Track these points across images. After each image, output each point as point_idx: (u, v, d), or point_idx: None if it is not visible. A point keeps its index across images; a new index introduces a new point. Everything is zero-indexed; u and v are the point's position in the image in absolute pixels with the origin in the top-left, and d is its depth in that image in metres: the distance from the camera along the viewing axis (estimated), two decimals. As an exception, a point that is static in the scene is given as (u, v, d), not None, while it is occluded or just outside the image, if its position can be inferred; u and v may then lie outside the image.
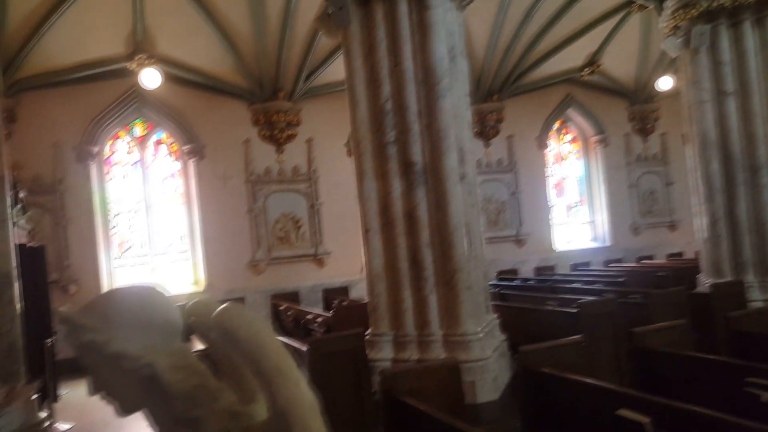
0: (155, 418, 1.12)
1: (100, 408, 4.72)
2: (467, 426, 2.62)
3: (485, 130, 11.38)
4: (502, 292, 7.60)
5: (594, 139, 12.89)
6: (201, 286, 9.77)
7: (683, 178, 13.60)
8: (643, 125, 13.09)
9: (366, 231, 5.16)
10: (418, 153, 4.92)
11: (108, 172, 9.83)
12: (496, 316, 5.49)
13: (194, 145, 9.82)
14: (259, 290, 9.70)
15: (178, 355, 1.09)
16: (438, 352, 4.78)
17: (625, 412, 2.72)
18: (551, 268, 11.21)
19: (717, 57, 6.93)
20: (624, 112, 13.03)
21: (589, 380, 3.07)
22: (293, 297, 9.68)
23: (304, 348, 4.32)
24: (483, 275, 5.33)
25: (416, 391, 3.14)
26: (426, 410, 2.84)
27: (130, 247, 9.96)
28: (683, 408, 2.60)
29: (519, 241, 11.72)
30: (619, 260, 11.97)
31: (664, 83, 11.39)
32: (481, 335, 4.82)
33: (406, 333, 4.94)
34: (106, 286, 9.30)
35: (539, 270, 11.14)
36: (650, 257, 12.07)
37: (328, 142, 10.38)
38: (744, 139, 6.85)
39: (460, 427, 2.60)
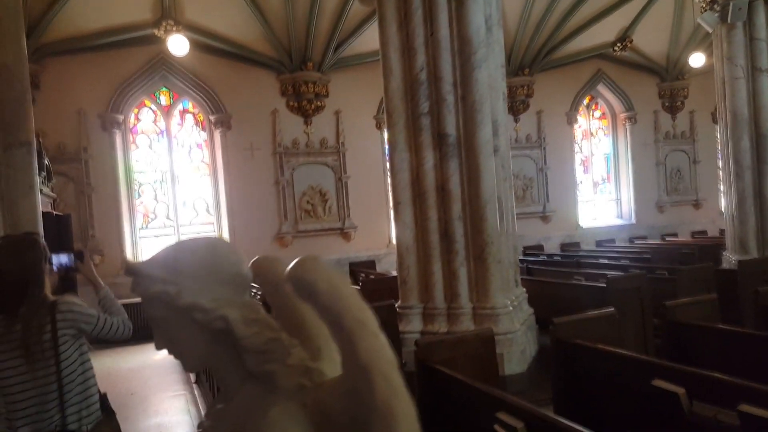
0: (222, 375, 1.10)
1: (126, 378, 4.88)
2: (503, 393, 2.70)
3: (515, 105, 11.28)
4: (528, 266, 7.65)
5: (623, 115, 12.71)
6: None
7: (709, 157, 13.44)
8: (672, 102, 12.86)
9: (397, 203, 5.20)
10: (452, 125, 4.90)
11: (133, 141, 9.92)
12: (524, 290, 5.55)
13: (221, 115, 9.89)
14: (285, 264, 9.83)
15: (250, 308, 1.06)
16: (467, 325, 4.84)
17: (660, 383, 2.78)
18: (576, 244, 11.20)
19: (753, 33, 6.78)
20: (654, 88, 12.80)
21: (623, 351, 3.13)
22: (319, 271, 9.79)
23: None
24: (513, 249, 5.37)
25: (449, 361, 3.19)
26: (462, 378, 2.92)
27: (154, 218, 10.10)
28: (717, 378, 2.65)
29: (545, 217, 11.69)
30: (643, 237, 11.91)
31: (696, 60, 11.12)
32: (510, 308, 4.88)
33: (435, 305, 5.00)
34: (130, 256, 9.48)
35: (564, 246, 11.13)
36: (674, 235, 11.98)
37: (357, 115, 10.36)
38: (776, 117, 6.73)
39: (496, 394, 2.67)
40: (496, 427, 2.40)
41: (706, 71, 11.44)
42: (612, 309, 3.63)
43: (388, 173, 10.87)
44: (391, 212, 10.21)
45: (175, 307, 1.03)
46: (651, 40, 11.83)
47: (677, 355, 3.58)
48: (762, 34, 6.72)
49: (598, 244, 11.35)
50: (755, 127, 6.75)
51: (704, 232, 12.00)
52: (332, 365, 1.09)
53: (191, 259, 1.06)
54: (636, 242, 11.12)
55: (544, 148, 11.64)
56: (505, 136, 5.29)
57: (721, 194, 13.46)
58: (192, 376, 6.05)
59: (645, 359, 3.04)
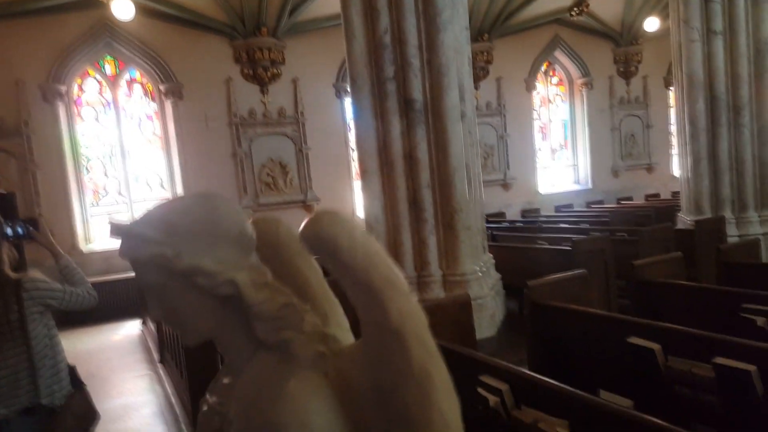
0: (229, 346, 0.98)
1: (85, 360, 4.65)
2: (486, 356, 2.69)
3: (475, 72, 11.15)
4: (493, 233, 7.71)
5: (580, 81, 12.87)
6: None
7: (661, 122, 13.83)
8: (627, 68, 13.10)
9: (364, 172, 5.08)
10: (418, 90, 4.79)
11: (78, 114, 9.38)
12: (491, 256, 5.58)
13: (171, 84, 9.43)
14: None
15: (258, 271, 0.95)
16: (437, 292, 4.84)
17: (635, 340, 2.83)
18: (536, 210, 11.39)
19: (706, -5, 6.88)
20: (609, 54, 12.98)
21: (598, 311, 3.17)
22: (281, 243, 9.64)
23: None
24: (480, 216, 5.37)
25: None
26: (442, 343, 2.89)
27: (106, 195, 9.66)
28: (691, 332, 2.71)
29: (506, 185, 11.81)
30: (599, 202, 12.22)
31: (650, 24, 11.31)
32: (479, 274, 4.90)
33: (405, 274, 4.96)
34: (81, 235, 9.09)
35: (525, 213, 11.31)
36: (629, 198, 12.35)
37: (316, 83, 10.08)
38: (729, 79, 6.90)
39: (479, 358, 2.66)
40: (480, 390, 2.39)
41: (660, 36, 11.67)
42: (584, 270, 3.66)
43: (351, 143, 10.74)
44: (354, 183, 10.18)
45: (174, 272, 0.90)
46: (607, 5, 11.93)
47: (646, 313, 3.66)
48: (716, -4, 6.82)
49: (557, 209, 11.58)
50: (710, 90, 6.90)
51: (657, 195, 12.41)
52: (342, 332, 1.01)
53: (189, 216, 0.93)
54: (593, 206, 11.39)
55: (504, 116, 11.68)
56: (471, 102, 5.22)
57: (672, 158, 13.94)
58: (156, 355, 5.87)
59: (620, 317, 3.09)
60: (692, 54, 6.97)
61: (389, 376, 0.82)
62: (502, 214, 11.02)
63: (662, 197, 12.15)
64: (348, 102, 10.69)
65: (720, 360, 2.37)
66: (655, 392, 2.68)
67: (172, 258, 0.90)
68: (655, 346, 2.72)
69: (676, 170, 13.44)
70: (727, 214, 6.85)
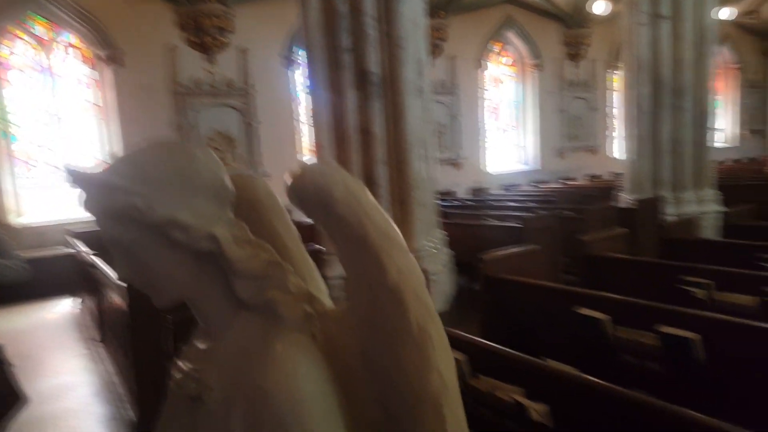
0: (206, 307, 0.91)
1: (16, 340, 4.38)
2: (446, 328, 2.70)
3: (429, 49, 11.15)
4: (444, 211, 7.77)
5: (530, 63, 13.04)
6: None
7: (604, 105, 14.29)
8: (576, 51, 13.37)
9: (318, 146, 4.98)
10: (375, 62, 4.68)
11: (5, 78, 8.71)
12: (444, 233, 5.62)
13: (111, 50, 8.90)
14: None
15: (239, 226, 0.87)
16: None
17: (584, 311, 2.91)
18: (484, 189, 11.56)
19: (655, -20, 7.06)
20: (559, 36, 13.19)
21: (550, 284, 3.24)
22: (229, 220, 9.38)
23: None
24: (433, 193, 5.38)
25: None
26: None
27: (37, 166, 9.07)
28: (637, 303, 2.82)
29: (457, 164, 11.91)
30: (545, 182, 12.53)
31: (598, 7, 11.55)
32: (433, 251, 4.93)
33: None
34: (12, 209, 8.54)
35: (474, 191, 11.46)
36: (573, 179, 12.73)
37: (265, 54, 9.74)
38: (673, 63, 7.15)
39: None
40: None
41: (607, 20, 11.96)
42: (536, 245, 3.73)
43: (301, 117, 10.51)
44: (306, 159, 9.98)
45: (147, 225, 0.81)
46: (558, -13, 12.11)
47: (593, 286, 3.78)
48: (663, -18, 7.01)
49: (505, 188, 11.80)
50: (655, 73, 7.12)
51: (599, 176, 12.85)
52: (321, 296, 0.95)
53: (164, 165, 0.84)
54: (540, 186, 11.68)
55: (457, 95, 11.73)
56: (428, 77, 5.18)
57: (613, 140, 14.45)
58: (95, 333, 5.61)
59: (570, 289, 3.17)
60: (640, 37, 7.16)
61: (383, 337, 0.78)
62: (452, 193, 11.13)
63: (604, 178, 12.60)
64: (298, 74, 10.43)
65: (665, 329, 2.47)
66: (602, 361, 2.77)
67: (144, 209, 0.80)
68: (603, 316, 2.81)
69: (616, 152, 14.00)
70: (666, 193, 7.15)
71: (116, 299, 4.04)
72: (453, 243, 5.69)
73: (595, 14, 11.98)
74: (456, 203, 9.31)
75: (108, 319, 4.90)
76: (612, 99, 14.46)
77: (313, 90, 4.92)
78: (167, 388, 1.00)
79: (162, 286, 0.87)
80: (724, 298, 2.99)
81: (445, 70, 11.66)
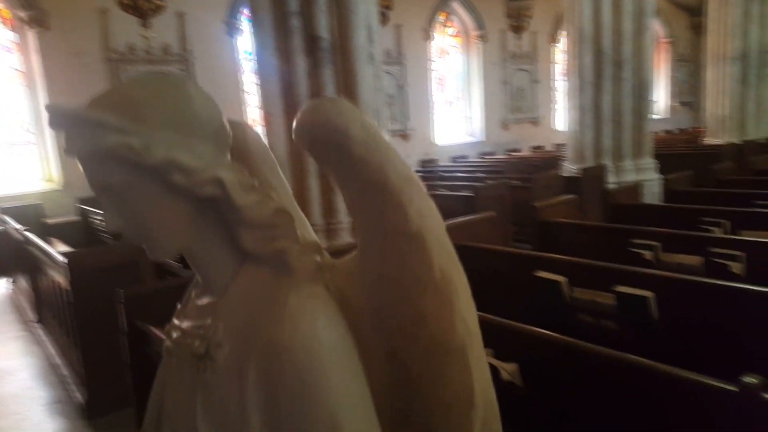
0: (206, 260, 0.82)
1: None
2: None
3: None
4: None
5: (475, 34, 13.08)
6: (57, 184, 8.64)
7: (546, 78, 14.60)
8: (518, 23, 13.49)
9: (267, 115, 4.80)
10: (325, 27, 4.53)
11: None
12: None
13: (34, 12, 8.22)
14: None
15: (242, 171, 0.79)
16: (346, 239, 4.78)
17: (542, 273, 2.98)
18: (434, 161, 11.64)
19: (596, -49, 7.19)
20: (503, 8, 13.27)
21: (509, 249, 3.29)
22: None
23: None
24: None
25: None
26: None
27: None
28: (592, 265, 2.91)
29: (405, 135, 11.88)
30: (491, 153, 12.75)
31: (542, -20, 11.67)
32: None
33: (313, 222, 4.84)
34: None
35: (423, 163, 11.51)
36: (518, 150, 13.02)
37: (206, 19, 9.27)
38: (614, 35, 7.34)
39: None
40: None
41: (549, -7, 12.11)
42: (492, 212, 3.78)
43: (245, 86, 10.14)
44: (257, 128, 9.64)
45: (143, 168, 0.72)
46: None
47: (546, 250, 3.89)
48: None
49: (453, 160, 11.93)
50: (596, 45, 7.29)
51: (542, 147, 13.20)
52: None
53: (161, 102, 0.74)
54: (487, 157, 11.88)
55: (404, 65, 11.64)
56: (378, 44, 5.07)
57: (555, 112, 14.83)
58: (32, 314, 5.29)
59: (528, 254, 3.24)
60: (582, 9, 7.29)
61: (401, 288, 0.73)
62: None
63: (546, 149, 12.95)
64: (242, 41, 10.03)
65: (620, 288, 2.56)
66: (562, 322, 2.85)
67: (141, 150, 0.71)
68: (561, 279, 2.89)
69: (558, 124, 14.40)
70: (608, 162, 7.42)
71: (56, 277, 3.80)
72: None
73: (538, -15, 12.12)
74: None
75: (46, 298, 4.62)
76: (554, 71, 14.78)
77: (259, 56, 4.72)
78: (161, 351, 0.92)
79: (158, 237, 0.78)
80: (671, 258, 3.13)
81: (392, 39, 11.53)
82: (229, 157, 0.81)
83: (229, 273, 0.82)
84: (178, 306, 0.94)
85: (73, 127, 0.73)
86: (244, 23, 9.70)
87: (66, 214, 7.49)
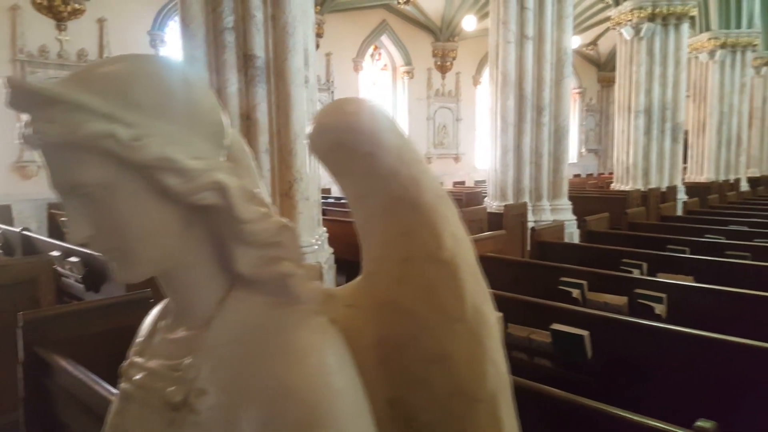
0: (189, 282, 0.67)
1: None
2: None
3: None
4: (323, 208, 7.64)
5: (402, 69, 13.41)
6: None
7: (468, 117, 15.20)
8: (443, 62, 14.03)
9: (193, 130, 4.56)
10: (260, 46, 4.40)
11: None
12: (325, 229, 5.48)
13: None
14: (30, 198, 8.01)
15: (241, 177, 0.66)
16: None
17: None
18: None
19: (523, 2, 7.64)
20: (429, 47, 13.75)
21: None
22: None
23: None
24: (318, 188, 5.22)
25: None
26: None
27: None
28: (528, 300, 2.93)
29: (329, 162, 11.83)
30: (414, 186, 12.96)
31: (468, 23, 12.22)
32: (315, 247, 4.76)
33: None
34: None
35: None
36: (441, 183, 13.32)
37: (127, 26, 8.79)
38: (535, 81, 7.77)
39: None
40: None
41: (473, 36, 12.70)
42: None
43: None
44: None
45: (130, 165, 0.57)
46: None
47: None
48: (530, 4, 7.60)
49: (377, 190, 12.00)
50: (519, 89, 7.67)
51: (463, 182, 13.61)
52: None
53: (156, 86, 0.59)
54: (410, 189, 12.05)
55: (332, 92, 11.67)
56: (314, 69, 5.00)
57: (476, 150, 15.41)
58: None
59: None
60: (507, 54, 7.68)
61: (419, 321, 0.63)
62: (327, 190, 11.02)
63: (467, 185, 13.36)
64: (165, 53, 9.61)
65: (557, 326, 2.58)
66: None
67: (127, 142, 0.56)
68: (497, 314, 2.87)
69: (479, 162, 14.95)
70: (527, 201, 7.75)
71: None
72: (332, 240, 5.59)
73: (464, 29, 12.67)
74: (332, 201, 9.23)
75: None
76: (476, 111, 15.41)
77: (189, 67, 4.48)
78: (118, 393, 0.73)
79: (137, 252, 0.62)
80: (597, 297, 3.22)
81: (322, 66, 11.54)
82: (224, 158, 0.67)
83: (215, 300, 0.68)
84: (138, 339, 0.76)
85: (42, 110, 0.56)
86: (171, 35, 9.31)
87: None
